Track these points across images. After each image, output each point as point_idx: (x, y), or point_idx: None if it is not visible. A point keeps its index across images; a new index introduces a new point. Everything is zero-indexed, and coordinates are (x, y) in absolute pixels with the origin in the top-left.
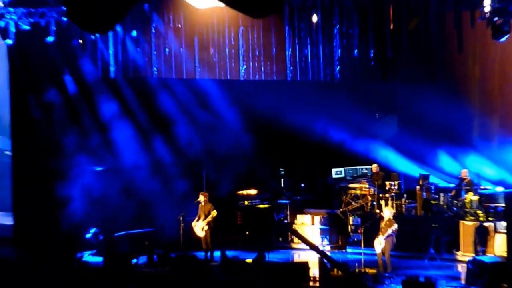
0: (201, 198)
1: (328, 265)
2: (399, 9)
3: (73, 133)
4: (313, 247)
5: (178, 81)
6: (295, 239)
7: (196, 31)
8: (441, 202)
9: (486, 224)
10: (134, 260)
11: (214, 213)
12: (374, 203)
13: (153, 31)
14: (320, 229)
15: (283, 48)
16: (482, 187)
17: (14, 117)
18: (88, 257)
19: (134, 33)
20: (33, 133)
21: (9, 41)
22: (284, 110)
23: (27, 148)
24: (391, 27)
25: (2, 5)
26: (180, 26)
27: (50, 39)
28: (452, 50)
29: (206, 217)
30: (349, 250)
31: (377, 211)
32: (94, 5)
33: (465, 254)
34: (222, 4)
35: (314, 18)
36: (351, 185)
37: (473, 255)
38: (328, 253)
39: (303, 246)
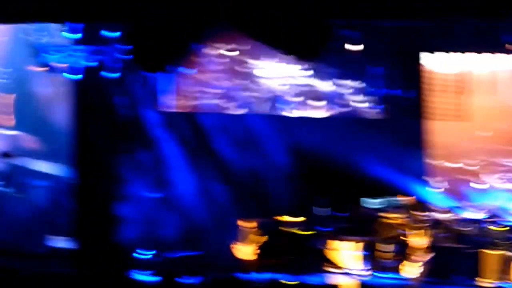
0: (248, 224)
1: None
2: None
3: (133, 162)
4: (343, 272)
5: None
6: (332, 264)
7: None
8: (469, 232)
9: (510, 253)
10: (184, 280)
11: (260, 238)
12: (408, 232)
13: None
14: (356, 254)
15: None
16: (506, 219)
17: (79, 146)
18: (142, 276)
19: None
20: (96, 161)
21: (78, 76)
22: (326, 145)
23: (91, 175)
24: None
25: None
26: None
27: (114, 75)
28: None
29: (252, 241)
30: (383, 275)
31: (410, 239)
32: (157, 48)
33: (486, 281)
34: None
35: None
36: (386, 215)
37: (494, 282)
38: (364, 279)
39: (339, 270)
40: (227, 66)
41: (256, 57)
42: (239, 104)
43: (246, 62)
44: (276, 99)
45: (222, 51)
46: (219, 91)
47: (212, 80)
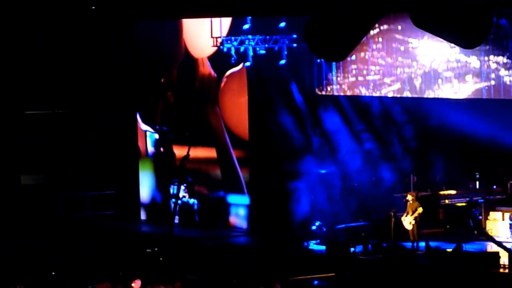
0: (409, 197)
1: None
2: None
3: (303, 140)
4: (495, 242)
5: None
6: (489, 233)
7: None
8: None
9: None
10: (352, 249)
11: (420, 210)
12: None
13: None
14: (510, 224)
15: None
16: None
17: (251, 127)
18: (313, 245)
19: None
20: (269, 139)
21: (248, 63)
22: (482, 128)
23: (265, 153)
24: None
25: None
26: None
27: (282, 62)
28: None
29: (413, 213)
30: None
31: None
32: (333, 36)
33: None
34: None
35: None
36: None
37: None
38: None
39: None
40: (385, 44)
41: (411, 35)
42: (395, 80)
43: (403, 40)
44: (430, 74)
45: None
46: (377, 68)
47: (372, 58)
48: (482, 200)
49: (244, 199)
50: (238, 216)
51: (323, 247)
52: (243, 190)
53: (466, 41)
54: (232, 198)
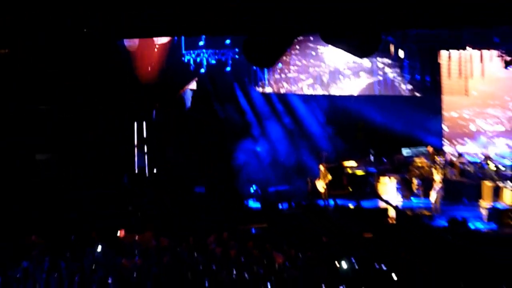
0: (321, 167)
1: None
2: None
3: (242, 125)
4: (386, 202)
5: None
6: (380, 194)
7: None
8: (472, 171)
9: (500, 184)
10: (280, 206)
11: (329, 177)
12: (431, 170)
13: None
14: (396, 187)
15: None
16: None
17: (203, 113)
18: (252, 203)
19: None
20: (216, 123)
21: (203, 70)
22: (375, 115)
23: (211, 136)
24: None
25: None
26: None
27: (228, 69)
28: None
29: (324, 179)
30: (413, 200)
31: (432, 176)
32: (263, 50)
33: (485, 203)
34: None
35: (401, 54)
36: (415, 159)
37: (491, 203)
38: (400, 203)
39: (385, 198)
40: (301, 50)
41: (320, 43)
42: (308, 76)
43: (314, 47)
44: (334, 72)
45: (298, 39)
46: (296, 67)
47: (291, 61)
48: (375, 170)
49: None
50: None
51: (258, 205)
52: None
53: (360, 53)
54: None
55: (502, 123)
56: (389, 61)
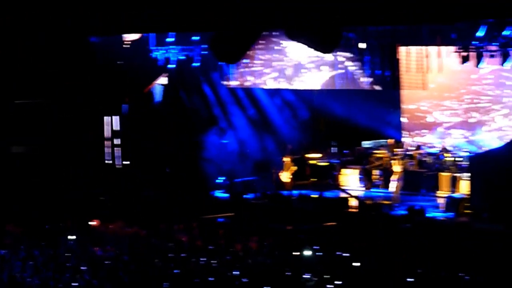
0: (286, 159)
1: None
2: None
3: (209, 118)
4: (344, 191)
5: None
6: (341, 185)
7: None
8: (429, 162)
9: (456, 174)
10: (246, 196)
11: (293, 168)
12: (390, 161)
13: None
14: (358, 177)
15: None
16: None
17: (171, 107)
18: (219, 194)
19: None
20: (184, 116)
21: (172, 66)
22: (337, 109)
23: (179, 127)
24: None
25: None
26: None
27: (196, 64)
28: None
29: (289, 170)
30: (374, 190)
31: (391, 167)
32: (229, 46)
33: (443, 193)
34: None
35: (362, 45)
36: (375, 151)
37: (449, 193)
38: (361, 193)
39: (346, 189)
40: (265, 45)
41: (283, 38)
42: (272, 70)
43: (277, 42)
44: (297, 65)
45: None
46: (260, 61)
47: (256, 55)
48: (338, 161)
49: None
50: None
51: (226, 195)
52: None
53: (323, 48)
54: None
55: (458, 114)
56: (350, 55)
